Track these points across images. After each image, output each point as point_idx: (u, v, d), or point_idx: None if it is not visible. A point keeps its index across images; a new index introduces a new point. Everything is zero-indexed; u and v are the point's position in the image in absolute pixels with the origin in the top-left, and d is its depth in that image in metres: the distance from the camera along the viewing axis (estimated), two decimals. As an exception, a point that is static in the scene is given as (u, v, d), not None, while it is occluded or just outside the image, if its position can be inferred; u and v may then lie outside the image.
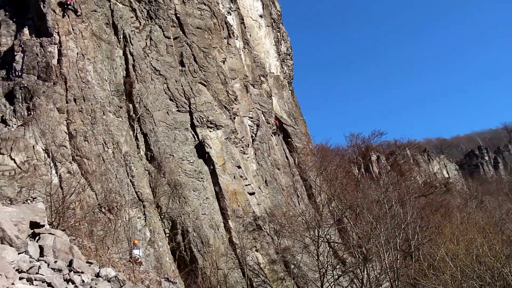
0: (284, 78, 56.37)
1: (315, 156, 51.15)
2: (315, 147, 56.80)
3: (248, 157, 37.41)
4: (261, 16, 54.86)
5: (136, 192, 28.62)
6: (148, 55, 35.50)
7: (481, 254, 22.32)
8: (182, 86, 35.53)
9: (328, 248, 33.91)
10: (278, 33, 59.75)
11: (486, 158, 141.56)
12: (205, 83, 36.91)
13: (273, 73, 53.18)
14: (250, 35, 50.59)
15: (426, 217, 38.57)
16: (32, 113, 27.56)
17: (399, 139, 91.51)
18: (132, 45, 35.13)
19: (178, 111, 34.47)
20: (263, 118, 42.99)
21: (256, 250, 32.34)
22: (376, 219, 30.38)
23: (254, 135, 39.93)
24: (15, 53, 30.58)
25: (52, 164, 25.76)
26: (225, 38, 42.21)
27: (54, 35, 31.23)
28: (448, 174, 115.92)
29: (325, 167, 42.84)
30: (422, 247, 30.98)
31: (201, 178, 32.17)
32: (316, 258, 30.52)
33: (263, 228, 33.44)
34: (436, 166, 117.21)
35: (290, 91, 57.19)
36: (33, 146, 26.22)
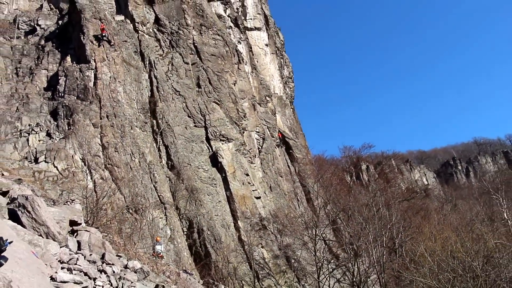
0: (286, 98, 56.51)
1: (313, 166, 51.20)
2: (313, 157, 56.84)
3: (255, 166, 37.47)
4: (266, 45, 55.12)
5: (158, 196, 28.76)
6: (169, 78, 35.76)
7: (455, 250, 22.35)
8: (198, 104, 35.74)
9: (324, 245, 33.92)
10: (282, 59, 60.05)
11: (459, 167, 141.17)
12: (218, 102, 37.11)
13: (277, 93, 53.33)
14: (257, 61, 50.88)
15: (408, 218, 38.51)
16: (71, 128, 27.87)
17: (386, 151, 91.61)
18: (156, 69, 35.41)
19: (195, 126, 34.64)
20: (268, 132, 43.09)
21: (262, 247, 32.32)
22: (365, 220, 30.37)
23: (260, 147, 40.02)
24: (59, 77, 31.07)
25: (88, 171, 26.02)
26: (236, 64, 42.46)
27: (91, 62, 31.64)
28: (427, 182, 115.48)
29: (321, 175, 42.91)
30: (405, 244, 31.00)
31: (214, 184, 32.26)
32: (314, 254, 30.58)
33: (267, 228, 33.45)
34: (417, 175, 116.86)
35: (291, 109, 57.30)
36: (72, 156, 26.48)
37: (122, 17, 38.30)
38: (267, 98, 47.11)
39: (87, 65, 31.63)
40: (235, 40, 46.22)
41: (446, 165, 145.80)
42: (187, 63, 37.59)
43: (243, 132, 37.76)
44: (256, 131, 40.24)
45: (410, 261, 26.07)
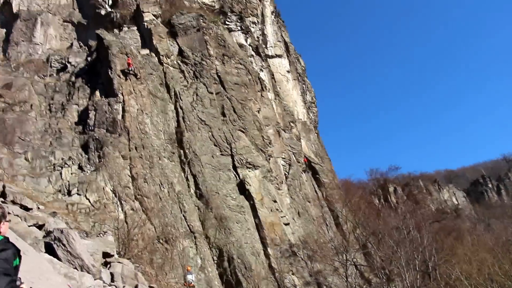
0: (310, 123, 56.52)
1: (340, 190, 50.68)
2: (340, 181, 56.30)
3: (282, 192, 37.29)
4: (288, 71, 55.55)
5: (188, 225, 28.77)
6: (195, 108, 36.22)
7: (492, 273, 21.51)
8: (224, 133, 35.98)
9: (355, 270, 33.31)
10: (304, 85, 60.36)
11: (490, 185, 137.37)
12: (243, 130, 37.30)
13: (301, 119, 53.39)
14: (280, 88, 51.23)
15: (440, 240, 37.55)
16: (102, 160, 28.35)
17: (413, 172, 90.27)
18: (181, 100, 35.93)
19: (222, 154, 34.80)
20: (294, 158, 43.00)
21: (293, 274, 31.85)
22: (396, 243, 29.72)
23: (287, 173, 39.89)
24: (89, 112, 31.82)
25: (118, 202, 26.31)
26: (259, 91, 42.79)
27: (119, 95, 32.35)
28: (457, 201, 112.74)
29: (349, 199, 42.33)
30: (438, 267, 30.06)
31: (243, 211, 32.15)
32: (345, 279, 30.01)
33: (297, 254, 33.02)
34: (446, 195, 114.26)
35: (316, 134, 57.19)
36: (103, 188, 26.86)
37: (147, 51, 39.31)
38: (291, 124, 47.20)
39: (115, 98, 32.33)
40: (257, 68, 46.72)
41: (476, 184, 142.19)
42: (212, 93, 38.07)
43: (269, 159, 37.74)
44: (282, 157, 40.20)
45: (445, 285, 25.30)
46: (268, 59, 51.88)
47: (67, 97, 35.72)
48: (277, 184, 36.89)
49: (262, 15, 56.70)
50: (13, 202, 16.64)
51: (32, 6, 48.30)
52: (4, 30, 46.00)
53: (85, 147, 29.94)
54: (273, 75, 50.44)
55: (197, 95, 37.24)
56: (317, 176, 47.48)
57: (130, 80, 33.93)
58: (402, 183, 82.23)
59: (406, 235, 31.11)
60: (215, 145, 34.95)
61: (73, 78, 37.91)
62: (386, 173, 74.33)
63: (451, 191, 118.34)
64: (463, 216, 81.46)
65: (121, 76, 33.77)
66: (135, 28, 42.75)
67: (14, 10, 47.15)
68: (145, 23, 41.90)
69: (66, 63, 41.18)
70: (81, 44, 45.59)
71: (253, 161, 35.55)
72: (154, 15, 43.23)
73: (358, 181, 75.34)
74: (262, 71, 47.68)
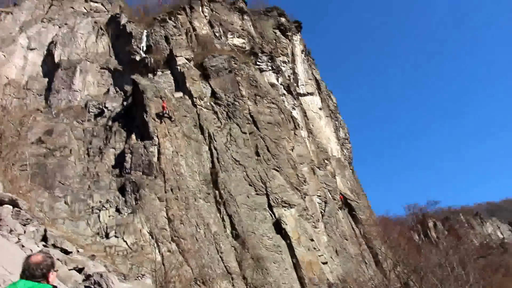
0: (344, 159, 56.07)
1: (378, 226, 49.45)
2: (377, 218, 55.08)
3: (319, 231, 36.74)
4: (320, 109, 55.72)
5: (225, 266, 28.56)
6: (229, 149, 36.58)
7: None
8: (258, 172, 36.06)
9: (397, 310, 32.05)
10: (336, 122, 60.29)
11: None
12: (278, 169, 37.30)
13: (335, 156, 53.05)
14: (312, 125, 51.32)
15: (487, 277, 35.87)
16: (138, 203, 28.79)
17: (452, 206, 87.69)
18: (215, 141, 36.41)
19: (257, 194, 34.77)
20: (330, 195, 42.53)
21: (332, 314, 31.00)
22: (440, 281, 28.59)
23: (323, 211, 39.39)
24: (125, 155, 32.61)
25: (155, 244, 26.48)
26: (292, 130, 42.95)
27: (154, 138, 33.11)
28: (503, 235, 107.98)
29: (388, 235, 41.17)
30: (486, 306, 28.67)
31: (280, 251, 31.74)
32: (387, 320, 28.88)
33: (337, 294, 32.20)
34: (490, 228, 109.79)
35: (350, 170, 56.58)
36: (140, 230, 27.16)
37: (180, 94, 40.30)
38: (326, 161, 46.96)
39: (151, 141, 33.10)
40: (289, 107, 47.10)
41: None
42: (245, 133, 38.45)
43: (305, 197, 37.45)
44: (317, 195, 39.83)
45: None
46: (300, 97, 52.33)
47: (105, 141, 36.80)
48: (314, 222, 36.42)
49: (292, 54, 57.63)
50: (54, 246, 17.05)
51: (72, 55, 50.71)
52: (47, 79, 48.28)
53: (122, 190, 30.54)
54: (305, 113, 50.70)
55: (230, 135, 37.69)
56: (354, 213, 46.66)
57: (165, 122, 34.79)
58: (441, 217, 79.90)
59: (450, 272, 29.93)
60: (250, 185, 34.99)
61: (110, 123, 39.12)
62: (425, 208, 72.51)
63: (495, 225, 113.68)
64: (510, 250, 77.95)
65: (156, 119, 34.71)
66: (169, 72, 44.08)
67: (56, 60, 49.60)
68: (178, 67, 43.18)
69: (103, 108, 42.60)
70: (117, 89, 47.23)
71: (289, 199, 35.33)
72: (186, 59, 44.55)
73: (396, 217, 73.40)
74: (295, 109, 48.01)
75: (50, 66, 49.79)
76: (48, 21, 55.12)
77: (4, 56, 48.68)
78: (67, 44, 52.23)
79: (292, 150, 40.57)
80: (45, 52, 51.40)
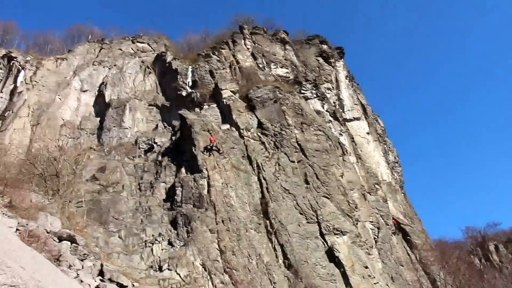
0: (395, 183, 54.70)
1: (435, 251, 47.54)
2: (433, 242, 53.02)
3: (373, 257, 35.71)
4: (368, 133, 55.03)
5: (279, 298, 28.18)
6: (278, 178, 36.54)
7: None
8: (309, 201, 35.74)
9: None
10: (385, 145, 59.16)
11: None
12: (328, 196, 36.86)
13: (385, 180, 51.91)
14: (361, 150, 50.66)
15: (561, 305, 33.51)
16: (190, 235, 29.06)
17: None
18: (264, 171, 36.52)
19: (308, 222, 34.37)
20: (382, 221, 41.46)
21: None
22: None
23: (376, 237, 38.37)
24: (176, 188, 33.23)
25: (208, 276, 26.51)
26: (340, 156, 42.55)
27: (203, 171, 33.60)
28: None
29: (446, 260, 39.53)
30: None
31: (334, 280, 30.99)
32: None
33: (397, 325, 30.93)
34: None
35: (402, 194, 55.06)
36: (193, 262, 27.30)
37: (227, 126, 40.98)
38: (376, 186, 46.02)
39: (200, 174, 33.58)
40: (336, 133, 46.83)
41: None
42: (293, 162, 38.39)
43: (357, 224, 36.67)
44: (369, 221, 38.91)
45: None
46: (346, 122, 52.00)
47: (155, 176, 37.70)
48: (367, 249, 35.48)
49: (336, 80, 57.64)
50: (110, 280, 17.43)
51: (122, 94, 52.92)
52: (99, 118, 50.44)
53: (173, 223, 30.97)
54: (353, 138, 50.22)
55: (279, 165, 37.71)
56: (408, 237, 45.13)
57: (213, 155, 35.32)
58: (503, 240, 75.69)
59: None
60: (300, 213, 34.67)
61: (159, 157, 40.14)
62: (484, 230, 69.46)
63: None
64: None
65: (205, 152, 35.33)
66: (215, 105, 45.07)
67: (107, 100, 51.92)
68: (224, 100, 44.10)
69: (153, 143, 43.89)
70: (166, 124, 48.66)
71: (341, 227, 34.70)
72: (232, 91, 45.47)
73: (454, 241, 70.40)
74: (342, 135, 47.68)
75: (101, 106, 52.10)
76: (98, 64, 58.06)
77: (60, 99, 51.48)
78: (116, 84, 54.67)
79: (341, 176, 40.07)
80: (96, 93, 54.00)
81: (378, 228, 39.31)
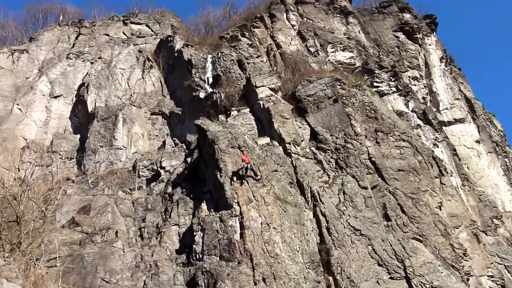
0: (526, 216, 53.62)
1: None
2: None
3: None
4: (477, 141, 54.38)
5: None
6: (343, 213, 36.44)
7: None
8: (391, 245, 35.44)
9: None
10: (506, 159, 58.09)
11: None
12: (420, 237, 36.46)
13: (510, 211, 50.93)
14: (467, 168, 50.01)
15: None
16: (218, 302, 29.23)
17: None
18: (322, 203, 36.48)
19: (391, 278, 33.99)
20: (509, 275, 40.62)
21: None
22: None
23: (501, 300, 37.72)
24: (194, 233, 33.46)
25: None
26: (436, 177, 42.07)
27: (233, 206, 33.67)
28: None
29: None
30: None
31: None
32: None
33: None
34: None
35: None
36: None
37: (267, 139, 41.16)
38: (495, 220, 45.20)
39: (229, 211, 33.63)
40: (429, 143, 46.49)
41: None
42: (365, 188, 38.24)
43: (468, 279, 36.06)
44: (488, 275, 38.19)
45: None
46: (444, 127, 51.52)
47: (163, 216, 38.12)
48: (487, 318, 34.93)
49: (427, 65, 57.35)
50: None
51: (111, 100, 54.00)
52: (78, 136, 51.56)
53: (192, 284, 31.17)
54: (454, 149, 49.61)
55: (344, 193, 37.67)
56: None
57: (247, 183, 35.31)
58: None
59: None
60: (379, 265, 34.40)
61: (169, 189, 40.62)
62: None
63: None
64: None
65: (235, 179, 35.46)
66: (247, 110, 45.46)
67: (89, 109, 52.97)
68: (260, 101, 44.35)
69: (158, 168, 44.39)
70: (176, 141, 49.24)
71: (442, 284, 34.13)
72: (271, 89, 45.78)
73: None
74: (437, 146, 47.25)
75: (82, 118, 53.37)
76: (75, 57, 59.53)
77: (20, 110, 52.72)
78: (103, 85, 55.82)
79: (439, 207, 39.61)
80: (74, 98, 55.21)
81: (503, 286, 38.55)
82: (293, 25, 56.50)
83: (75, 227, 36.36)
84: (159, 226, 37.31)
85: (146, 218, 38.37)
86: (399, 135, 42.81)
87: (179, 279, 32.07)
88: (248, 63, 50.85)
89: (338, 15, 58.69)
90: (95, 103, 53.47)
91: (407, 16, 61.44)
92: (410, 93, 50.89)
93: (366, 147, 40.84)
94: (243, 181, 35.21)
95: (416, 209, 37.95)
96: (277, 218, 34.19)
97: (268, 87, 45.94)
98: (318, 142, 41.24)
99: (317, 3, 59.68)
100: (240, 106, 46.19)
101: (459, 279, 35.34)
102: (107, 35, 63.64)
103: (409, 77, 54.12)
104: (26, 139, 50.67)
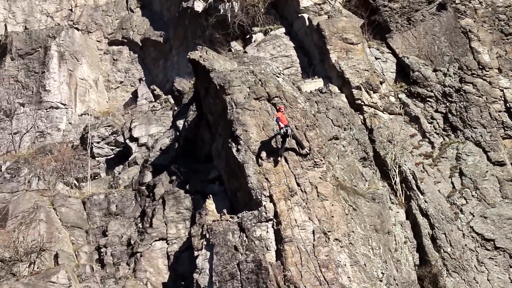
0: None
1: None
2: None
3: None
4: None
5: None
6: (461, 211, 36.08)
7: None
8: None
9: None
10: None
11: None
12: None
13: None
14: None
15: None
16: None
17: None
18: (423, 194, 36.38)
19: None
20: None
21: None
22: None
23: None
24: (195, 253, 33.56)
25: None
26: None
27: (263, 202, 33.02)
28: None
29: None
30: None
31: None
32: None
33: None
34: None
35: None
36: None
37: (318, 83, 40.85)
38: None
39: (255, 212, 33.05)
40: None
41: None
42: (500, 163, 37.72)
43: None
44: None
45: None
46: None
47: (139, 225, 38.20)
48: None
49: None
50: None
51: (34, 20, 53.80)
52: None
53: None
54: None
55: (462, 173, 37.26)
56: None
57: (286, 162, 34.32)
58: None
59: None
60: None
61: (147, 177, 40.54)
62: None
63: None
64: None
65: (264, 155, 34.15)
66: (282, 30, 44.90)
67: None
68: (305, 15, 43.93)
69: (128, 142, 44.38)
70: (157, 90, 49.03)
71: None
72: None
73: None
74: None
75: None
76: None
77: None
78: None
79: None
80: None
81: None
82: None
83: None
84: (132, 242, 36.87)
85: (108, 230, 37.98)
86: None
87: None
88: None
89: None
90: (5, 26, 52.91)
91: None
92: None
93: (501, 89, 39.97)
94: (279, 158, 34.16)
95: None
96: (342, 222, 33.41)
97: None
98: (412, 84, 40.56)
99: None
100: (269, 24, 45.49)
101: None
102: None
103: None
104: None
